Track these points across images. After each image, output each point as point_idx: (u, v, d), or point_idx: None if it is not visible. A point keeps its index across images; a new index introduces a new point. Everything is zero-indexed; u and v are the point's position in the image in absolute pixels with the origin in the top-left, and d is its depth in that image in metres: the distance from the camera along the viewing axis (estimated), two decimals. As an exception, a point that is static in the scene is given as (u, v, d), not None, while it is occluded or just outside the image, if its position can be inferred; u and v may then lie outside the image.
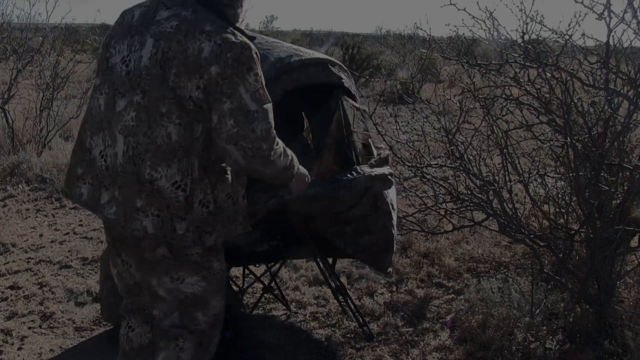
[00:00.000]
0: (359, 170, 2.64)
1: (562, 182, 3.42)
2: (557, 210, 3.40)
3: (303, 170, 2.14)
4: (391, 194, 2.84)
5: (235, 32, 1.85)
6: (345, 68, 2.88)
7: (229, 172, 1.95)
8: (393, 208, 2.82)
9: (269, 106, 1.85)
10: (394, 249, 2.91)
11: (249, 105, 1.80)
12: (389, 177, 2.85)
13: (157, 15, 1.88)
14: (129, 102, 1.86)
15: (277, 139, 1.89)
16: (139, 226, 1.85)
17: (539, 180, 3.39)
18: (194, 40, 1.80)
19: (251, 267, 3.43)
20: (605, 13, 2.68)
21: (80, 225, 4.79)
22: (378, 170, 2.75)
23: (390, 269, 2.98)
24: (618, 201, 2.95)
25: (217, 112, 1.80)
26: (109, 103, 1.91)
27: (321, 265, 3.02)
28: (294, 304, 3.46)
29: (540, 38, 3.11)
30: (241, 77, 1.80)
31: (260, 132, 1.81)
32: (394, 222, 2.85)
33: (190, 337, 2.03)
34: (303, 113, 2.56)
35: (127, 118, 1.86)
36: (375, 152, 2.85)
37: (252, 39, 1.91)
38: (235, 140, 1.80)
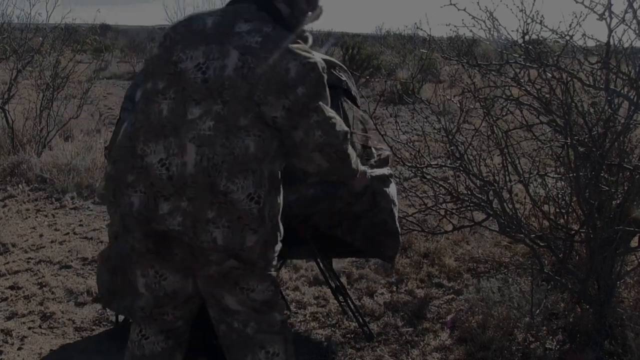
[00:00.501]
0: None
1: (562, 183, 3.42)
2: (557, 210, 3.40)
3: (362, 166, 2.25)
4: (392, 192, 2.84)
5: (312, 51, 1.93)
6: (346, 69, 2.89)
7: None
8: (395, 204, 2.83)
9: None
10: (400, 239, 2.92)
11: (330, 116, 1.92)
12: (389, 177, 2.86)
13: (236, 27, 1.87)
14: (207, 111, 1.82)
15: None
16: (208, 238, 1.82)
17: (539, 180, 3.39)
18: (280, 60, 1.83)
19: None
20: (606, 14, 2.68)
21: (80, 225, 4.79)
22: (378, 171, 2.76)
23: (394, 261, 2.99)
24: (618, 201, 2.95)
25: (304, 127, 1.87)
26: (177, 109, 1.85)
27: (321, 265, 3.03)
28: (294, 304, 3.47)
29: (540, 38, 3.11)
30: (322, 93, 1.90)
31: (342, 136, 1.94)
32: (396, 218, 2.86)
33: (275, 338, 2.02)
34: None
35: (203, 127, 1.81)
36: (375, 153, 2.86)
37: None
38: (321, 148, 1.90)
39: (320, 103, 1.89)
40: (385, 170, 2.86)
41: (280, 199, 1.95)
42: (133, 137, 1.92)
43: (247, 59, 1.82)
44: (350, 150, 2.04)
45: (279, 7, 1.96)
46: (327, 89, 1.93)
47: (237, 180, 1.81)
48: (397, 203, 2.90)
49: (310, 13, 2.05)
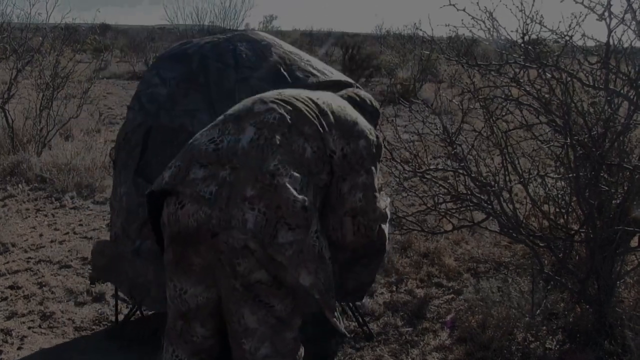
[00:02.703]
0: None
1: (562, 182, 3.43)
2: (557, 210, 3.41)
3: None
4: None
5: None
6: (361, 88, 2.88)
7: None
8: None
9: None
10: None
11: (377, 188, 1.97)
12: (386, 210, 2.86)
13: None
14: (273, 109, 1.92)
15: None
16: (239, 216, 1.70)
17: (539, 180, 3.39)
18: (352, 112, 2.06)
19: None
20: (606, 14, 2.69)
21: (80, 225, 4.79)
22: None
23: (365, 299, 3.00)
24: (618, 201, 2.95)
25: (350, 181, 1.91)
26: (244, 103, 1.98)
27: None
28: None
29: (540, 38, 3.11)
30: (376, 160, 2.00)
31: (378, 214, 1.96)
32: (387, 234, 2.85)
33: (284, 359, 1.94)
34: None
35: (268, 117, 1.87)
36: None
37: None
38: (355, 214, 1.91)
39: (373, 168, 1.95)
40: (386, 201, 2.86)
41: (326, 244, 1.86)
42: None
43: (321, 95, 2.05)
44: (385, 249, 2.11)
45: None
46: (378, 169, 2.02)
47: (288, 167, 1.76)
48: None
49: None
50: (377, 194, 1.95)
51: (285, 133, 1.83)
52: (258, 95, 2.02)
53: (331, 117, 1.93)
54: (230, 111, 1.98)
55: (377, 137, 2.02)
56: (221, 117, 1.97)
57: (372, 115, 2.25)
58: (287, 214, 1.71)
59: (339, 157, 1.89)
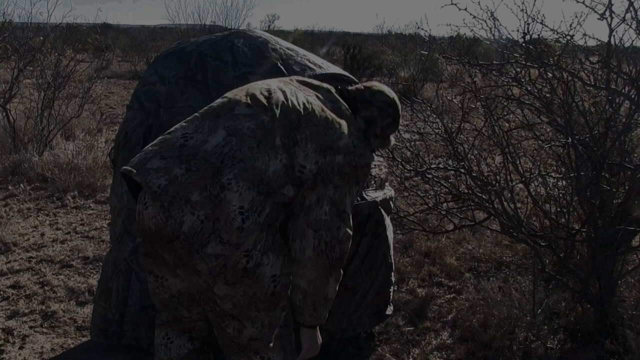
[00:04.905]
0: (364, 195, 2.67)
1: (563, 182, 3.43)
2: (558, 209, 3.41)
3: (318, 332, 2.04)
4: (387, 218, 2.85)
5: (364, 153, 1.98)
6: (357, 81, 2.89)
7: (284, 255, 1.86)
8: (389, 233, 2.85)
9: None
10: (393, 279, 2.92)
11: (346, 206, 1.90)
12: (390, 200, 2.87)
13: (320, 92, 2.07)
14: (253, 115, 1.88)
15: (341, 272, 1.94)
16: (177, 216, 1.72)
17: (540, 179, 3.40)
18: (340, 127, 1.94)
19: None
20: (607, 13, 2.68)
21: (81, 224, 4.80)
22: (381, 195, 2.76)
23: (390, 308, 2.96)
24: (619, 201, 2.95)
25: (318, 194, 1.85)
26: (227, 104, 1.93)
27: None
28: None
29: (541, 38, 3.11)
30: (352, 182, 1.93)
31: (342, 234, 1.89)
32: (391, 251, 2.86)
33: (269, 346, 1.93)
34: None
35: (243, 125, 1.84)
36: (374, 172, 2.86)
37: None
38: (318, 227, 1.85)
39: (347, 187, 1.90)
40: (387, 192, 2.86)
41: (275, 260, 1.81)
42: None
43: (312, 102, 1.94)
44: (337, 283, 1.93)
45: (357, 120, 2.08)
46: (359, 187, 1.96)
47: (242, 184, 1.74)
48: (391, 234, 2.89)
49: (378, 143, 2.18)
50: (344, 215, 1.88)
51: (253, 148, 1.79)
52: (249, 91, 1.96)
53: (313, 129, 1.87)
54: (215, 103, 1.95)
55: (360, 157, 1.93)
56: (205, 109, 1.95)
57: (381, 110, 2.14)
58: (223, 228, 1.73)
59: (310, 171, 1.84)
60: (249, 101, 1.90)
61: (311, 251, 1.85)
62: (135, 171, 1.80)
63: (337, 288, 1.95)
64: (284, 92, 1.95)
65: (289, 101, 1.92)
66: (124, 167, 1.84)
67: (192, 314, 2.04)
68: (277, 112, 1.87)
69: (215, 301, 1.84)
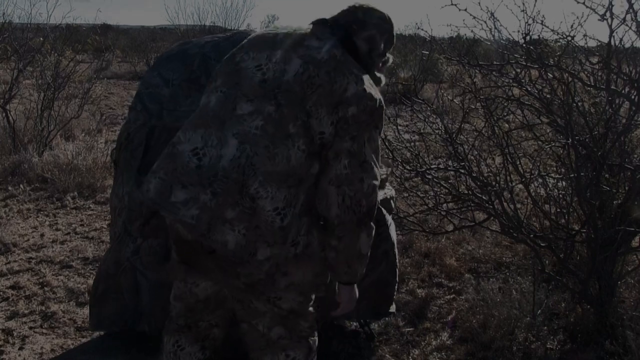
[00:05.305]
0: None
1: (563, 183, 3.43)
2: (558, 210, 3.41)
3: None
4: (389, 218, 2.85)
5: (374, 85, 1.87)
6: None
7: None
8: (392, 232, 2.84)
9: (380, 174, 1.84)
10: (396, 279, 2.92)
11: (367, 156, 1.79)
12: (391, 200, 2.86)
13: (307, 41, 1.85)
14: (257, 110, 1.78)
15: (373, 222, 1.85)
16: (219, 238, 1.73)
17: (540, 180, 3.40)
18: (342, 77, 1.78)
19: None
20: (607, 14, 2.69)
21: (81, 225, 4.79)
22: (381, 194, 2.76)
23: (393, 307, 2.97)
24: (619, 201, 2.95)
25: (335, 149, 1.77)
26: (226, 103, 1.83)
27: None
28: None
29: (541, 39, 3.11)
30: (369, 128, 1.81)
31: (367, 186, 1.78)
32: (395, 250, 2.86)
33: (298, 345, 1.96)
34: None
35: (251, 125, 1.77)
36: None
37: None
38: (339, 183, 1.77)
39: (365, 135, 1.79)
40: (388, 192, 2.85)
41: (320, 234, 1.82)
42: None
43: (308, 67, 1.79)
44: (371, 235, 1.86)
45: (358, 43, 1.93)
46: (379, 131, 1.84)
47: (270, 188, 1.73)
48: (394, 233, 2.87)
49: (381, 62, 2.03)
50: (366, 165, 1.78)
51: (269, 146, 1.75)
52: (242, 77, 1.84)
53: (319, 90, 1.77)
54: (212, 101, 1.87)
55: (371, 98, 1.81)
56: (204, 110, 1.87)
57: (378, 27, 1.97)
58: (265, 233, 1.74)
59: (329, 134, 1.77)
60: (248, 94, 1.81)
61: (336, 208, 1.78)
62: (161, 207, 1.79)
63: (370, 242, 1.88)
64: (275, 63, 1.83)
65: (286, 73, 1.81)
66: (149, 199, 1.81)
67: (212, 318, 2.03)
68: (280, 95, 1.79)
69: (269, 299, 1.85)
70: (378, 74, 1.99)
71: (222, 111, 1.82)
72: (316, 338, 2.04)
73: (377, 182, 1.81)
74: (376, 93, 1.84)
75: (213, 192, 1.74)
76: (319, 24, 1.94)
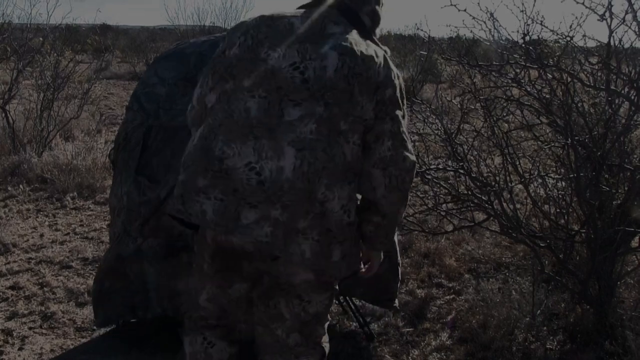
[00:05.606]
0: None
1: (563, 183, 3.43)
2: (558, 210, 3.41)
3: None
4: None
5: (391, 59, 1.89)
6: None
7: None
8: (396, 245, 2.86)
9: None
10: (399, 276, 2.92)
11: (404, 133, 1.80)
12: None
13: (329, 29, 1.80)
14: (308, 113, 1.72)
15: None
16: (297, 250, 1.72)
17: (540, 180, 3.40)
18: (371, 61, 1.77)
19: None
20: (607, 14, 2.69)
21: (81, 225, 4.79)
22: None
23: (396, 302, 3.01)
24: (619, 202, 2.95)
25: (376, 132, 1.77)
26: (271, 109, 1.73)
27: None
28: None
29: (541, 39, 3.11)
30: (402, 103, 1.83)
31: (409, 163, 1.80)
32: (396, 247, 2.87)
33: (312, 352, 1.96)
34: None
35: (304, 130, 1.71)
36: None
37: None
38: (385, 164, 1.77)
39: (400, 113, 1.80)
40: None
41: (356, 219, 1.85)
42: (209, 137, 1.77)
43: (345, 59, 1.75)
44: (406, 203, 1.89)
45: (363, 19, 1.90)
46: (405, 111, 1.85)
47: (335, 189, 1.73)
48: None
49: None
50: (405, 142, 1.79)
51: (326, 148, 1.73)
52: (279, 79, 1.75)
53: (359, 79, 1.75)
54: (253, 107, 1.75)
55: (398, 76, 1.84)
56: (251, 122, 1.74)
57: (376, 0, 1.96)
58: (337, 233, 1.76)
59: (371, 118, 1.77)
60: (294, 97, 1.74)
61: (383, 189, 1.79)
62: (227, 230, 1.74)
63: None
64: (311, 60, 1.75)
65: (326, 69, 1.74)
66: (208, 222, 1.75)
67: (242, 315, 2.02)
68: (327, 95, 1.74)
69: (301, 302, 1.86)
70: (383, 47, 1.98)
71: (268, 119, 1.73)
72: (328, 343, 2.03)
73: (413, 156, 1.83)
74: (395, 68, 1.86)
75: (283, 206, 1.71)
76: (330, 6, 1.88)
